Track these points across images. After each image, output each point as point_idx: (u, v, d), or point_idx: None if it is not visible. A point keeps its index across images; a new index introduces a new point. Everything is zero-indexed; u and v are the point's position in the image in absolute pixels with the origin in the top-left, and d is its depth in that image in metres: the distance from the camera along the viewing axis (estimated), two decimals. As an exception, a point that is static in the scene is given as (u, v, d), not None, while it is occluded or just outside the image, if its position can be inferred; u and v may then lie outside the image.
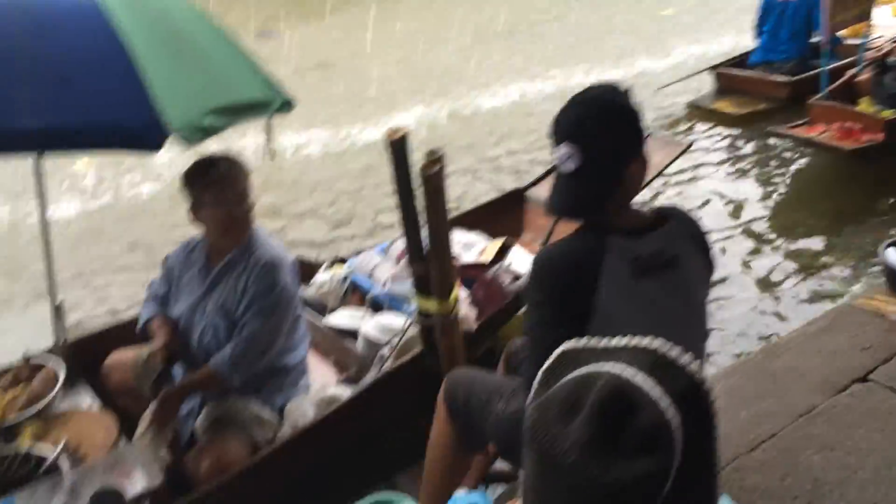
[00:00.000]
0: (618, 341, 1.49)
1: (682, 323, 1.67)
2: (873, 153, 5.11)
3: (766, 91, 6.47)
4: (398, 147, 2.41)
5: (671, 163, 3.79)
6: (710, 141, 6.04)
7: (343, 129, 6.46)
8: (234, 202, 2.50)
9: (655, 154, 3.78)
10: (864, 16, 6.03)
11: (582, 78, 7.70)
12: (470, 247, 3.52)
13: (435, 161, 2.49)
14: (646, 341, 1.47)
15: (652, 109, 6.74)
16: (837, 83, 5.78)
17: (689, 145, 4.01)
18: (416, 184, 2.48)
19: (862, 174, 5.17)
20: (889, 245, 3.46)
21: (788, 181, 5.36)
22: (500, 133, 6.42)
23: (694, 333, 1.73)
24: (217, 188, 2.47)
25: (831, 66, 5.93)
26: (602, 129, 1.62)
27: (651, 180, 3.74)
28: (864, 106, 5.55)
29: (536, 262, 1.69)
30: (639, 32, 9.43)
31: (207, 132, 2.24)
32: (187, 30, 2.44)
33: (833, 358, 2.96)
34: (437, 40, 9.08)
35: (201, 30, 2.50)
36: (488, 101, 7.22)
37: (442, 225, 2.56)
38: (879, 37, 6.80)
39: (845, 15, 5.77)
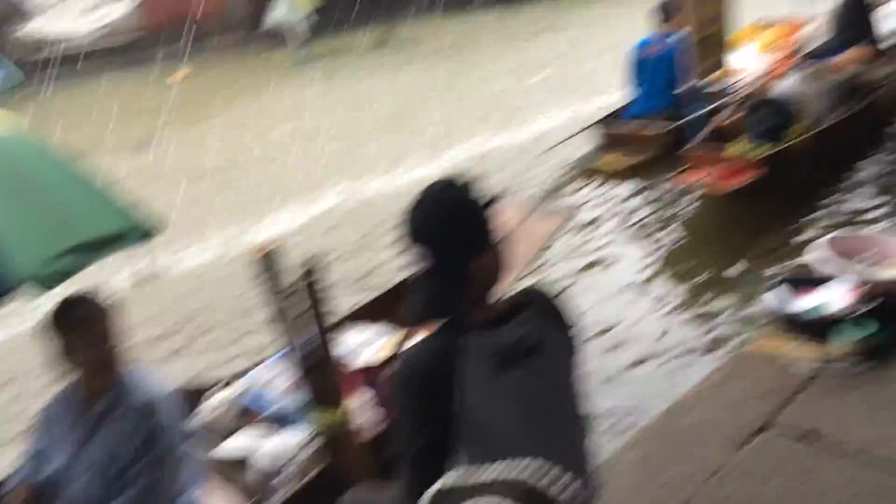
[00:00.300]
0: (489, 473, 1.47)
1: (553, 411, 1.64)
2: (754, 191, 5.28)
3: (646, 142, 6.65)
4: (268, 264, 2.35)
5: (557, 232, 3.84)
6: (599, 198, 6.13)
7: (231, 237, 6.28)
8: (100, 342, 2.37)
9: (540, 225, 3.84)
10: (723, 61, 6.36)
11: (467, 151, 7.74)
12: (370, 343, 3.44)
13: (311, 271, 2.44)
14: (516, 472, 1.45)
15: (539, 173, 6.84)
16: (711, 126, 6.02)
17: (574, 211, 4.07)
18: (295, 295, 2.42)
19: (746, 213, 5.31)
20: (772, 288, 3.55)
21: (678, 229, 5.46)
22: (390, 223, 6.35)
23: (567, 419, 1.70)
24: (81, 330, 2.34)
25: (703, 110, 6.19)
26: (442, 230, 1.62)
27: (540, 252, 3.77)
28: (740, 145, 5.78)
29: (394, 370, 1.67)
30: (518, 98, 9.58)
31: (62, 275, 2.15)
32: (29, 170, 2.32)
33: (736, 409, 2.98)
34: (318, 133, 8.99)
35: (45, 167, 2.39)
36: (377, 189, 7.11)
37: (325, 335, 2.49)
38: (745, 77, 7.14)
39: (705, 63, 6.07)
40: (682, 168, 5.64)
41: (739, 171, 5.41)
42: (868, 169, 5.91)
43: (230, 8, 16.85)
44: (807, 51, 7.36)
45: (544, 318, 1.72)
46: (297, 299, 2.39)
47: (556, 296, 1.83)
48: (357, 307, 3.86)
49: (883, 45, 6.74)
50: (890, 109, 6.31)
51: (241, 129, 9.70)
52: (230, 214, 6.75)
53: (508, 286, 1.88)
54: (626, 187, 6.23)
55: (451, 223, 1.62)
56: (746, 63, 7.25)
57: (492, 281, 1.70)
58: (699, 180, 5.48)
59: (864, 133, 6.13)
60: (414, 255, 1.65)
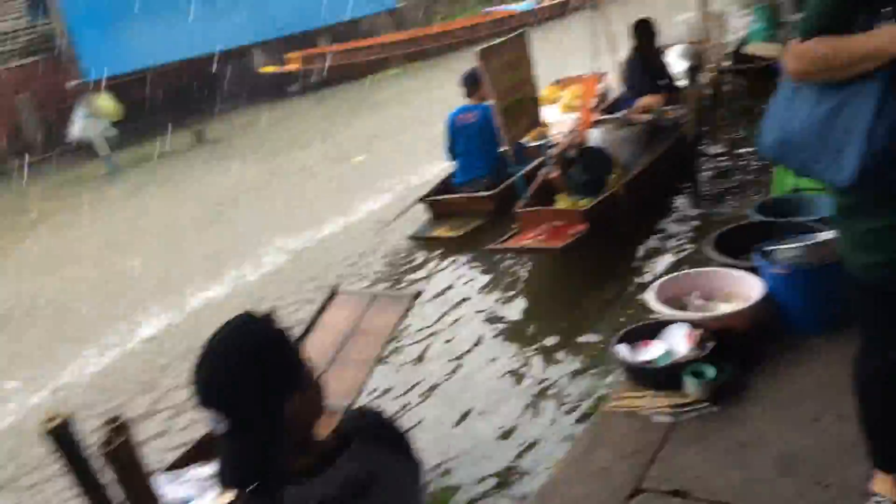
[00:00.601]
0: None
1: None
2: (584, 245, 5.35)
3: (475, 208, 6.68)
4: (61, 435, 2.01)
5: (401, 321, 3.69)
6: (436, 275, 6.03)
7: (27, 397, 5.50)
8: None
9: (381, 317, 3.68)
10: (535, 122, 6.56)
11: (289, 251, 7.38)
12: (207, 489, 3.08)
13: (117, 430, 2.12)
14: None
15: (376, 255, 6.69)
16: (534, 185, 6.14)
17: (416, 296, 3.93)
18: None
19: (580, 268, 5.36)
20: (618, 340, 3.54)
21: (518, 295, 5.39)
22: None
23: None
24: None
25: (523, 171, 6.33)
26: (237, 384, 1.37)
27: (388, 342, 3.60)
28: (563, 202, 5.91)
29: None
30: (341, 183, 9.36)
31: None
32: None
33: (605, 477, 2.89)
34: (126, 254, 8.25)
35: None
36: (198, 305, 6.52)
37: (147, 500, 2.17)
38: (557, 134, 7.42)
39: (518, 127, 6.23)
40: (513, 231, 5.67)
41: (567, 227, 5.49)
42: (684, 204, 6.22)
43: (23, 127, 15.79)
44: (606, 103, 7.80)
45: (375, 443, 1.54)
46: (104, 464, 2.07)
47: (386, 415, 1.67)
48: (190, 447, 3.47)
49: (673, 88, 7.24)
50: (691, 145, 6.72)
51: (40, 261, 8.84)
52: (24, 368, 5.99)
53: (339, 412, 1.71)
54: (464, 255, 6.17)
55: (253, 370, 1.38)
56: (555, 121, 7.57)
57: (313, 418, 1.50)
58: (530, 242, 5.50)
59: (674, 171, 6.47)
60: (209, 419, 1.42)
